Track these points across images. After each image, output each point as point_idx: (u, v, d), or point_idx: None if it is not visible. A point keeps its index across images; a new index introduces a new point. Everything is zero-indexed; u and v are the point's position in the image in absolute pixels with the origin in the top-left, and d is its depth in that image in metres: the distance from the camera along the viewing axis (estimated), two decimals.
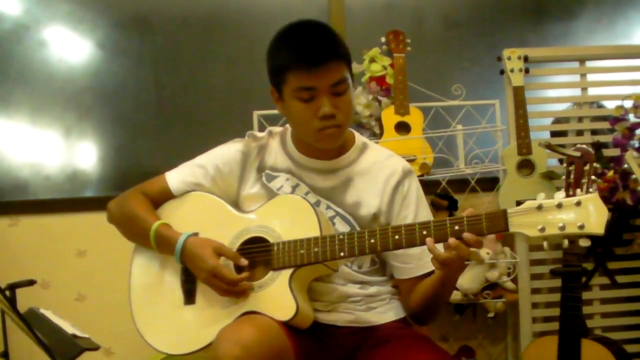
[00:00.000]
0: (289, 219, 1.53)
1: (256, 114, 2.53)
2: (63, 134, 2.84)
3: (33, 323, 1.43)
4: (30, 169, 2.82)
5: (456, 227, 1.36)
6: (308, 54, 1.48)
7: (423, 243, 1.40)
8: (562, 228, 1.29)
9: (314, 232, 1.48)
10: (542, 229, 1.30)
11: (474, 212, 1.37)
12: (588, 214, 1.28)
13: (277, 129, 1.72)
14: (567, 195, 1.31)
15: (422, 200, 1.66)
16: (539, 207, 1.31)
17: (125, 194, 1.70)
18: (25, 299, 2.00)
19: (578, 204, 1.28)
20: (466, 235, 1.34)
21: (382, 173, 1.63)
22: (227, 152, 1.68)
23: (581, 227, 1.27)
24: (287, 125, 1.69)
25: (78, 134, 2.85)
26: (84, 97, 2.85)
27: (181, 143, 2.84)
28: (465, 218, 1.36)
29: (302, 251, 1.47)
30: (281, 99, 1.57)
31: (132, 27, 2.89)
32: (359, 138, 1.69)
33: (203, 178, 1.66)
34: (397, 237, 1.42)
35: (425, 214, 1.65)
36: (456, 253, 1.35)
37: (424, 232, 1.39)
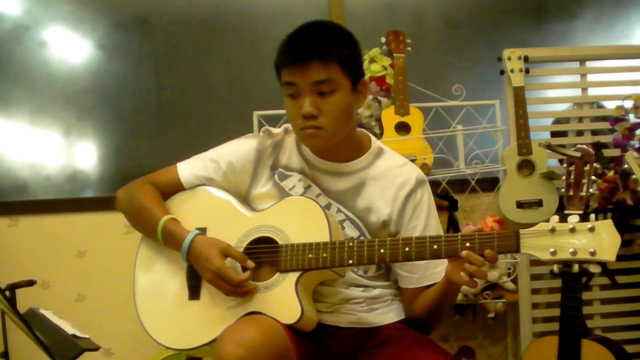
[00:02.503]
0: (299, 221, 1.52)
1: (256, 114, 2.53)
2: (63, 134, 2.84)
3: (33, 323, 1.43)
4: (30, 169, 2.82)
5: (467, 244, 1.36)
6: (293, 50, 1.50)
7: (433, 257, 1.40)
8: (574, 253, 1.28)
9: (324, 237, 1.47)
10: (554, 253, 1.29)
11: (473, 228, 1.37)
12: (601, 240, 1.27)
13: None
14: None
15: (433, 210, 1.66)
16: (552, 230, 1.30)
17: (135, 183, 1.68)
18: (25, 299, 2.00)
19: (592, 229, 1.28)
20: (488, 252, 1.33)
21: (395, 180, 1.62)
22: (241, 149, 1.66)
23: (593, 253, 1.27)
24: None
25: (78, 134, 2.85)
26: (84, 98, 2.85)
27: (181, 143, 2.84)
28: (477, 235, 1.36)
29: (310, 255, 1.46)
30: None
31: (132, 27, 2.89)
32: (375, 143, 1.68)
33: (214, 173, 1.65)
34: (407, 249, 1.41)
35: (435, 225, 1.64)
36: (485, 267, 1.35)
37: (435, 247, 1.39)
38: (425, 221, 1.62)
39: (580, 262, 1.32)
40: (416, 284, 1.60)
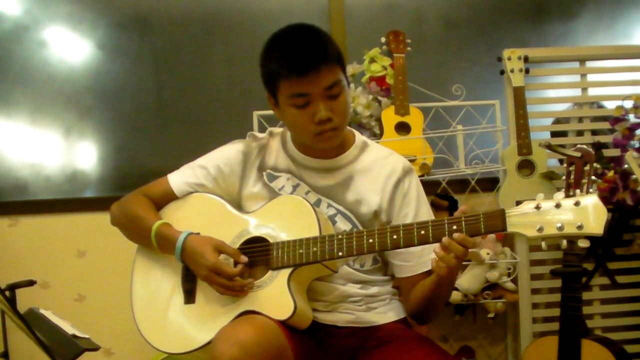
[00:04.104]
0: (289, 219, 1.54)
1: (256, 114, 2.53)
2: (63, 134, 2.84)
3: (33, 323, 1.43)
4: (30, 169, 2.82)
5: (454, 227, 1.36)
6: (298, 61, 1.48)
7: (421, 243, 1.41)
8: (561, 228, 1.28)
9: (314, 232, 1.49)
10: (541, 229, 1.29)
11: (467, 210, 1.37)
12: (587, 214, 1.27)
13: (278, 130, 1.74)
14: (567, 196, 1.30)
15: (423, 198, 1.67)
16: (538, 207, 1.31)
17: (128, 196, 1.71)
18: (25, 299, 2.00)
19: (577, 204, 1.28)
20: (456, 235, 1.34)
21: (382, 171, 1.64)
22: (228, 153, 1.69)
23: (580, 227, 1.27)
24: None
25: (78, 134, 2.85)
26: (84, 98, 2.85)
27: (181, 143, 2.84)
28: (463, 218, 1.36)
29: (300, 251, 1.48)
30: (277, 106, 1.58)
31: (132, 27, 2.89)
32: (359, 137, 1.70)
33: (205, 179, 1.68)
34: (395, 236, 1.42)
35: (426, 212, 1.65)
36: (453, 254, 1.35)
37: (422, 232, 1.39)
38: (416, 209, 1.63)
39: (568, 237, 1.31)
40: (412, 272, 1.61)
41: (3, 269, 2.56)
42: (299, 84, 1.48)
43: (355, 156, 1.66)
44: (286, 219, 1.55)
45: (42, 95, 2.83)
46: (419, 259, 1.59)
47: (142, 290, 1.65)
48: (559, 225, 1.28)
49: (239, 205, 1.67)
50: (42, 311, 1.61)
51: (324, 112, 1.50)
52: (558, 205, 1.29)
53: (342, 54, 1.58)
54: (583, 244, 1.33)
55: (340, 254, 1.46)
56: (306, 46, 1.50)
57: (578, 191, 1.32)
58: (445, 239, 1.35)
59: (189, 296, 1.58)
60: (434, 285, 1.50)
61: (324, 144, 1.57)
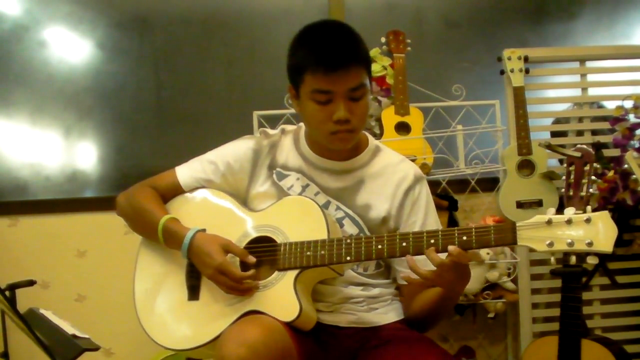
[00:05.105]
0: (297, 220, 1.53)
1: (256, 114, 2.53)
2: (63, 134, 2.84)
3: (33, 323, 1.43)
4: (30, 169, 2.82)
5: (464, 238, 1.36)
6: (328, 56, 1.46)
7: None
8: (571, 244, 1.28)
9: (322, 235, 1.48)
10: (551, 244, 1.30)
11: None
12: (597, 231, 1.27)
13: (290, 127, 1.72)
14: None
15: (431, 206, 1.67)
16: (549, 222, 1.31)
17: (135, 187, 1.69)
18: (25, 299, 2.00)
19: (588, 220, 1.28)
20: (451, 248, 1.35)
21: (394, 177, 1.64)
22: (238, 149, 1.67)
23: (590, 244, 1.27)
24: (301, 124, 1.69)
25: (78, 134, 2.85)
26: (84, 98, 2.85)
27: (181, 143, 2.84)
28: (473, 229, 1.36)
29: (308, 253, 1.47)
30: (298, 97, 1.57)
31: (132, 27, 2.89)
32: (372, 141, 1.69)
33: (213, 174, 1.66)
34: (404, 244, 1.41)
35: (433, 221, 1.65)
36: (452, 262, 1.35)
37: (432, 241, 1.39)
38: (424, 217, 1.63)
39: (578, 253, 1.31)
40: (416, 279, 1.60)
41: (3, 269, 2.56)
42: (326, 80, 1.47)
43: (367, 160, 1.65)
44: (294, 219, 1.54)
45: (42, 95, 2.83)
46: (423, 267, 1.57)
47: (145, 284, 1.63)
48: (569, 241, 1.28)
49: (245, 202, 1.65)
50: (42, 311, 1.61)
51: (344, 112, 1.49)
52: (569, 221, 1.29)
53: (370, 59, 1.57)
54: (592, 260, 1.33)
55: (348, 258, 1.45)
56: (339, 43, 1.49)
57: (589, 207, 1.32)
58: (426, 251, 1.36)
59: (193, 292, 1.57)
60: (439, 299, 1.50)
61: (337, 144, 1.56)
